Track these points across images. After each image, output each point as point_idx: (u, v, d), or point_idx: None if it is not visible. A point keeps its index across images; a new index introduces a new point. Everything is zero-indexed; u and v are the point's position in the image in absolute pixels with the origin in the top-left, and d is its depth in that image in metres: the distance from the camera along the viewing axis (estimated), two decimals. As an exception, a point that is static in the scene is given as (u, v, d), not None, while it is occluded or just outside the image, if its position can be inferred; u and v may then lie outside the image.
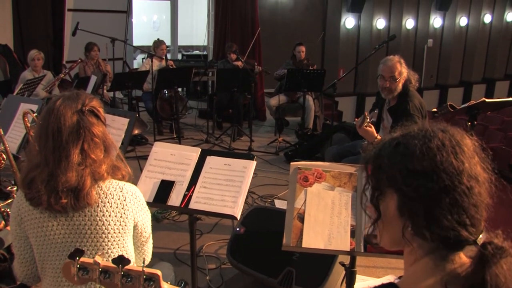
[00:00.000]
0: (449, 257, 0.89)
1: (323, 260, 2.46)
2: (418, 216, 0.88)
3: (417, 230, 0.89)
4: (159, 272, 1.05)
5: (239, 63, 6.36)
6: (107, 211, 1.51)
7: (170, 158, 2.23)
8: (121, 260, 1.04)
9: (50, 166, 1.46)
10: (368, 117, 3.00)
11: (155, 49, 6.19)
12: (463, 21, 10.83)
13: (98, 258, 1.05)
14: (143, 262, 1.71)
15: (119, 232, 1.53)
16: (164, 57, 6.23)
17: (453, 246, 0.89)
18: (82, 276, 1.06)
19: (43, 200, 1.45)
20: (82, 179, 1.46)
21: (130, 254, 1.61)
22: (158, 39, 6.33)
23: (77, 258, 1.05)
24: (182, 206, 2.11)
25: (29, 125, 2.66)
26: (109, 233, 1.52)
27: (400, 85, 3.28)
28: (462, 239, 0.87)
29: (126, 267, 1.04)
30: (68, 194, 1.45)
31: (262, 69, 6.39)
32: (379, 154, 0.95)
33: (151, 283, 1.05)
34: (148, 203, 1.77)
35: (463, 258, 0.90)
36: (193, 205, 2.09)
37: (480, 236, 0.88)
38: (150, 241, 1.76)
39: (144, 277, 1.05)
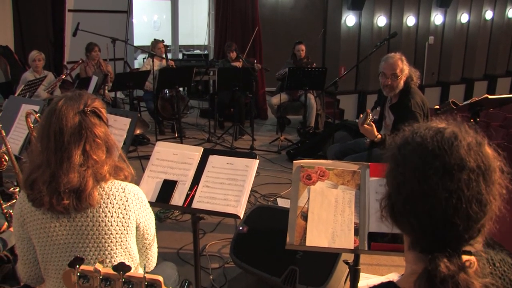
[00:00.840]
0: (423, 257, 0.89)
1: (327, 259, 2.45)
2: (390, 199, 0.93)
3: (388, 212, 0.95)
4: (160, 278, 1.04)
5: (237, 63, 6.35)
6: (109, 212, 1.50)
7: (172, 158, 2.22)
8: (122, 267, 1.03)
9: (52, 167, 1.46)
10: (370, 115, 2.99)
11: (153, 49, 6.23)
12: (464, 17, 10.79)
13: (98, 266, 1.04)
14: (144, 268, 1.70)
15: (121, 233, 1.53)
16: (164, 57, 6.23)
17: (419, 247, 0.90)
18: (82, 284, 1.05)
19: (45, 201, 1.45)
20: (84, 180, 1.45)
21: (133, 255, 1.61)
22: (154, 39, 6.39)
23: (77, 266, 1.04)
24: (185, 205, 2.10)
25: (32, 125, 2.66)
26: (111, 234, 1.51)
27: (401, 82, 3.27)
28: (422, 241, 0.89)
29: (127, 273, 1.03)
30: (70, 195, 1.44)
31: (261, 66, 6.38)
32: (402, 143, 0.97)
33: None
34: (151, 203, 1.76)
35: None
36: (195, 205, 2.09)
37: (455, 258, 0.86)
38: (155, 245, 1.74)
39: (146, 283, 1.03)
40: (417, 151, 0.88)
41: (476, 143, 0.88)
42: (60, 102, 1.51)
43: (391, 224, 0.95)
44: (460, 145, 0.86)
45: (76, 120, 1.48)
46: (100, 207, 1.49)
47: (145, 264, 1.73)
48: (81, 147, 1.48)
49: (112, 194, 1.51)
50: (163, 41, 6.32)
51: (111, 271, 1.03)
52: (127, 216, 1.53)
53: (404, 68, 3.25)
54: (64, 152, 1.46)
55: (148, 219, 1.63)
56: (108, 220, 1.50)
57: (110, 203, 1.51)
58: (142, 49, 7.88)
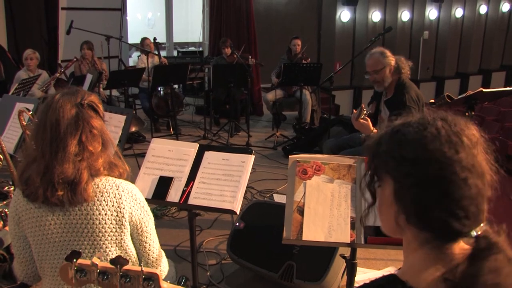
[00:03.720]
0: (445, 248, 0.88)
1: (324, 253, 2.46)
2: (407, 204, 0.89)
3: (408, 217, 0.90)
4: (158, 272, 1.03)
5: (232, 59, 6.35)
6: (103, 209, 1.49)
7: (168, 154, 2.22)
8: (120, 261, 1.02)
9: (47, 158, 1.45)
10: (365, 110, 2.99)
11: (143, 47, 6.36)
12: (458, 12, 10.81)
13: (96, 259, 1.04)
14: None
15: (115, 231, 1.52)
16: (156, 53, 6.22)
17: (446, 237, 0.88)
18: (80, 278, 1.04)
19: (40, 193, 1.44)
20: (78, 172, 1.44)
21: (129, 252, 1.59)
22: (142, 38, 6.53)
23: (74, 260, 1.03)
24: (181, 202, 2.10)
25: (24, 123, 2.65)
26: (105, 231, 1.50)
27: (387, 74, 3.29)
28: (453, 230, 0.86)
29: (125, 267, 1.02)
30: (64, 187, 1.43)
31: (255, 61, 6.39)
32: (379, 141, 0.96)
33: (151, 282, 1.04)
34: (147, 200, 1.75)
35: (460, 249, 0.89)
36: (192, 201, 2.09)
37: (479, 228, 0.87)
38: (155, 240, 1.68)
39: (143, 277, 1.03)
40: (433, 144, 0.88)
41: (457, 134, 0.91)
42: (57, 96, 1.51)
43: (405, 229, 0.92)
44: (458, 141, 0.89)
45: (73, 112, 1.48)
46: (94, 204, 1.48)
47: (147, 260, 1.72)
48: (77, 137, 1.47)
49: (106, 192, 1.50)
50: (154, 38, 6.31)
51: (109, 265, 1.03)
52: (121, 214, 1.52)
53: (385, 62, 3.28)
54: (60, 143, 1.45)
55: (143, 217, 1.60)
56: (102, 218, 1.49)
57: (104, 200, 1.49)
58: (137, 46, 7.86)
